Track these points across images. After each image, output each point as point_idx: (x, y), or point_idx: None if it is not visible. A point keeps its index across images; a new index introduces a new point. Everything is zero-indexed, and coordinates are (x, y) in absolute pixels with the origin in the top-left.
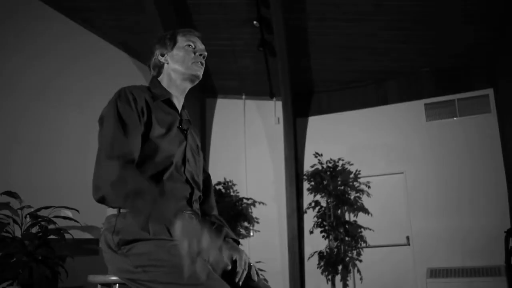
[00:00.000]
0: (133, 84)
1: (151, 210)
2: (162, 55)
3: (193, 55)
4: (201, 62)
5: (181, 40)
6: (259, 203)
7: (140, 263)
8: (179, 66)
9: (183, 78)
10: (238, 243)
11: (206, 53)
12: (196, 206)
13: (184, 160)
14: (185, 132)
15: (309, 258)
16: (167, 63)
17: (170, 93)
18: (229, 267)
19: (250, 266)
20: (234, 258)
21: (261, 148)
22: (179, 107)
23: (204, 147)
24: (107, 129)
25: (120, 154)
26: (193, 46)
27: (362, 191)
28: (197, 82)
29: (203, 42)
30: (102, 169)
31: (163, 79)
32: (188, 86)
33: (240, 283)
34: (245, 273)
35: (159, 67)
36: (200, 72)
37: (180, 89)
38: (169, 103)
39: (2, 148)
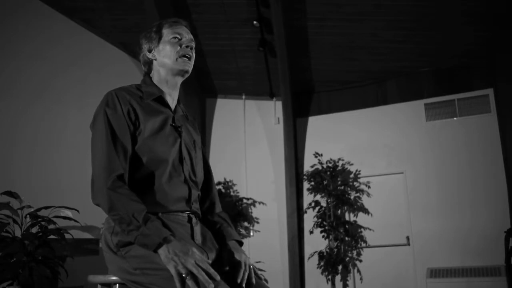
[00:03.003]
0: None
1: (136, 239)
2: (150, 51)
3: (179, 48)
4: (188, 55)
5: (167, 33)
6: (259, 203)
7: (139, 266)
8: (167, 62)
9: (172, 73)
10: (241, 244)
11: (193, 44)
12: (195, 206)
13: (181, 159)
14: (179, 129)
15: (309, 258)
16: (155, 59)
17: (161, 91)
18: (227, 268)
19: (249, 269)
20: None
21: (261, 148)
22: (173, 103)
23: (204, 147)
24: (99, 144)
25: (112, 176)
26: (179, 38)
27: (362, 191)
28: (187, 76)
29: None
30: (97, 193)
31: (154, 76)
32: (179, 80)
33: (243, 284)
34: (246, 274)
35: (149, 64)
36: (188, 67)
37: (171, 84)
38: (161, 100)
39: (2, 148)
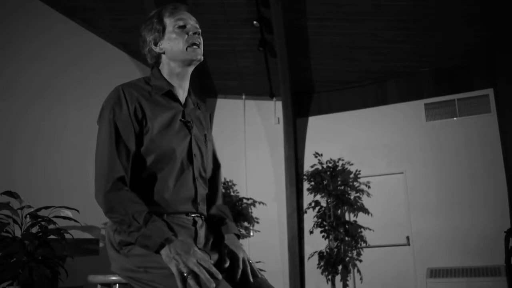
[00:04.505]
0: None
1: (137, 240)
2: (156, 44)
3: (186, 36)
4: (197, 43)
5: (170, 22)
6: (259, 203)
7: (141, 264)
8: (176, 53)
9: (183, 64)
10: (239, 237)
11: (199, 30)
12: (202, 207)
13: (190, 156)
14: (188, 124)
15: (309, 258)
16: (163, 53)
17: (170, 85)
18: (227, 264)
19: (248, 264)
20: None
21: (261, 148)
22: (183, 95)
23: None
24: (101, 143)
25: (112, 178)
26: (184, 25)
27: (362, 191)
28: (198, 64)
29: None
30: (97, 193)
31: (163, 68)
32: (190, 70)
33: (238, 278)
34: (239, 271)
35: (156, 57)
36: (200, 55)
37: (182, 75)
38: (171, 95)
39: (2, 148)
